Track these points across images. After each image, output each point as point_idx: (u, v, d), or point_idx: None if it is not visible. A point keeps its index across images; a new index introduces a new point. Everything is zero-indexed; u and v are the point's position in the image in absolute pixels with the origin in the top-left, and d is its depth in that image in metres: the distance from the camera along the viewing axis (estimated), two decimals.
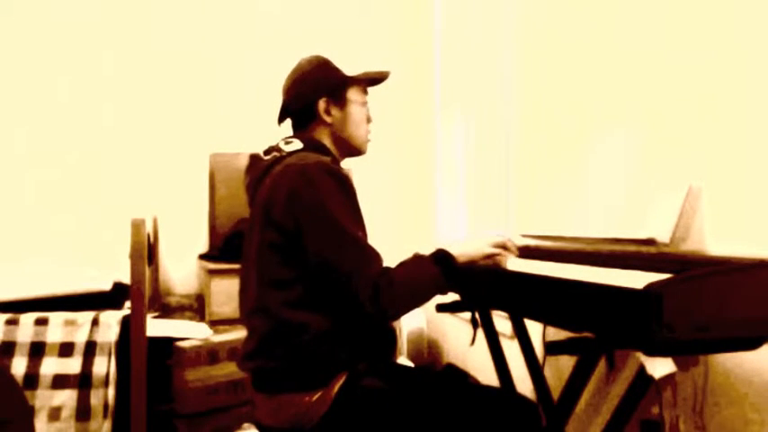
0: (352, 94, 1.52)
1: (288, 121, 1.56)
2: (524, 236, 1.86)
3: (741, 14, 1.37)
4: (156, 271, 2.98)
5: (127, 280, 2.15)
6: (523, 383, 1.91)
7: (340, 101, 1.50)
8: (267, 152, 1.48)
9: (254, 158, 1.51)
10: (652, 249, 1.38)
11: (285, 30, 3.46)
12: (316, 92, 1.48)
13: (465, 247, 1.39)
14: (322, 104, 1.48)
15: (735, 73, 1.39)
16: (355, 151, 1.55)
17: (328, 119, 1.49)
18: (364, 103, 1.55)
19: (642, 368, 1.29)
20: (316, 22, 3.52)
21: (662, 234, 1.34)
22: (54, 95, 3.18)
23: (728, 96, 1.41)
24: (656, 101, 1.64)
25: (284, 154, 1.42)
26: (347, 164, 1.61)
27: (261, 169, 1.45)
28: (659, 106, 1.62)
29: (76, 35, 3.20)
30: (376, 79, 1.57)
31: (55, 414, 2.05)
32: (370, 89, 1.58)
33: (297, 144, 1.45)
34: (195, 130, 3.34)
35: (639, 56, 1.70)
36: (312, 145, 1.46)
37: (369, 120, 1.55)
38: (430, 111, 3.39)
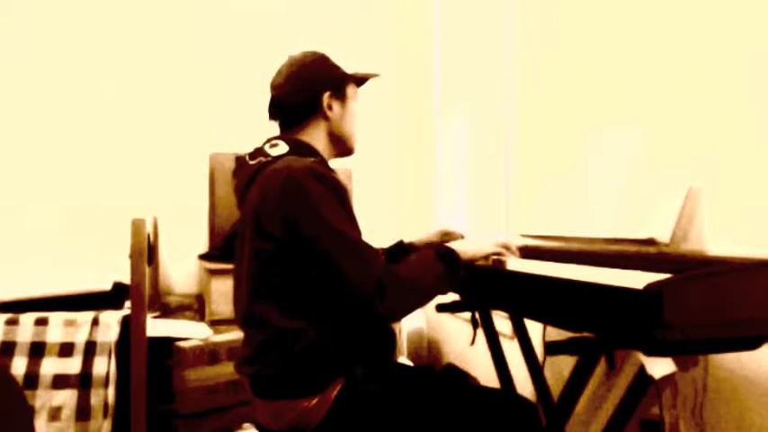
0: (350, 91, 1.53)
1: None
2: (524, 236, 1.86)
3: (740, 15, 1.37)
4: (155, 271, 2.98)
5: (127, 280, 2.15)
6: (523, 383, 1.91)
7: (341, 96, 1.50)
8: (252, 156, 1.44)
9: (241, 161, 1.48)
10: (652, 249, 1.38)
11: (285, 29, 3.47)
12: (320, 86, 1.46)
13: (467, 244, 1.39)
14: (326, 99, 1.46)
15: (735, 73, 1.39)
16: (347, 149, 1.54)
17: (329, 113, 1.47)
18: (356, 101, 1.55)
19: (642, 368, 1.29)
20: (316, 21, 3.52)
21: (662, 234, 1.33)
22: (53, 95, 3.18)
23: (728, 96, 1.41)
24: (655, 101, 1.64)
25: (270, 159, 1.39)
26: (347, 163, 1.60)
27: (247, 174, 1.42)
28: (659, 106, 1.62)
29: (76, 35, 3.21)
30: (366, 79, 1.58)
31: (55, 414, 2.05)
32: (361, 89, 1.59)
33: (282, 147, 1.41)
34: (195, 130, 3.34)
35: (639, 56, 1.70)
36: (298, 147, 1.43)
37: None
38: (430, 111, 3.39)
